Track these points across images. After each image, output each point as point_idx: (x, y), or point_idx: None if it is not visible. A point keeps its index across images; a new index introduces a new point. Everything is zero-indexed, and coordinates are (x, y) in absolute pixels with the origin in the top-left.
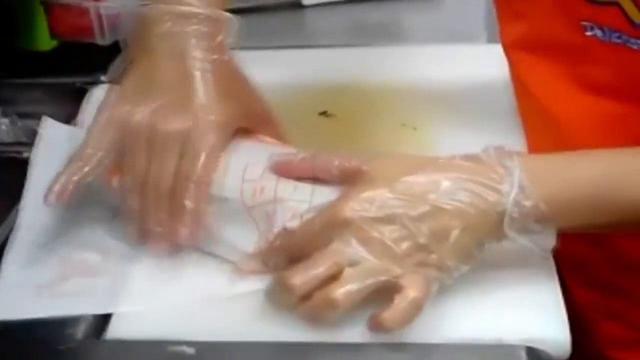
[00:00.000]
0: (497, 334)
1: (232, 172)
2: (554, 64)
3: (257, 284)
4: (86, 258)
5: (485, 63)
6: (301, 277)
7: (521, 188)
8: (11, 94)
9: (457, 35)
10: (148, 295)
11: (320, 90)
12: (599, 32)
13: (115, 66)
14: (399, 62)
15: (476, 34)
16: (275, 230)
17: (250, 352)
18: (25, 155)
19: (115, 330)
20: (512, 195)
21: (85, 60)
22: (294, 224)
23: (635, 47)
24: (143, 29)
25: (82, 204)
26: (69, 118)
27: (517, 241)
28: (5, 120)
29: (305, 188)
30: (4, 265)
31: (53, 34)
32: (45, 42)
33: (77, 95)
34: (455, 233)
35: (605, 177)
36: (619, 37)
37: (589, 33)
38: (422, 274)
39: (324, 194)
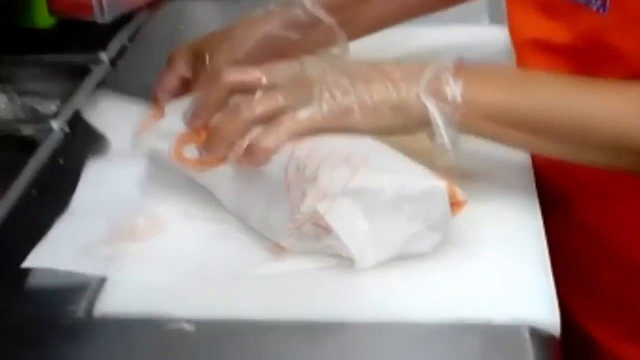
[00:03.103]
0: (486, 314)
1: (283, 148)
2: (531, 18)
3: (290, 265)
4: (136, 223)
5: (489, 44)
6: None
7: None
8: (9, 71)
9: (459, 16)
10: (177, 267)
11: None
12: None
13: (115, 44)
14: (400, 42)
15: (478, 14)
16: (303, 208)
17: (250, 330)
18: (24, 133)
19: (112, 305)
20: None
21: (84, 38)
22: (323, 205)
23: (594, 8)
24: None
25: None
26: (66, 96)
27: (428, 106)
28: (4, 98)
29: (344, 173)
30: (58, 221)
31: (52, 11)
32: (43, 19)
33: (76, 73)
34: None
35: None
36: None
37: None
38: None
39: (362, 181)
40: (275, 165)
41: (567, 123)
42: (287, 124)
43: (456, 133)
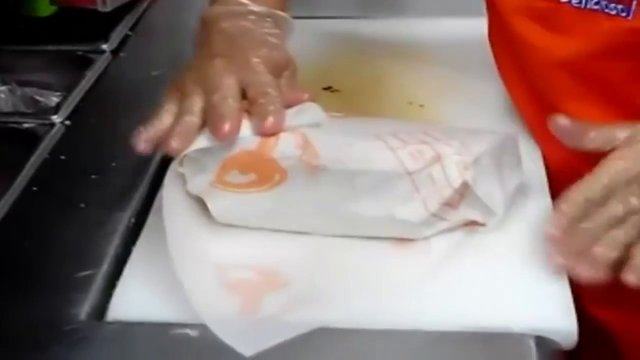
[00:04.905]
0: (505, 323)
1: (371, 146)
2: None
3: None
4: None
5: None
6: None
7: None
8: (10, 61)
9: (467, 9)
10: None
11: (325, 64)
12: None
13: (117, 34)
14: (406, 35)
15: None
16: (454, 184)
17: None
18: (25, 126)
19: (116, 312)
20: None
21: (86, 28)
22: (468, 175)
23: (613, 12)
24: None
25: None
26: (69, 87)
27: None
28: (4, 89)
29: (455, 145)
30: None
31: (53, 0)
32: (44, 8)
33: (78, 64)
34: None
35: None
36: (596, 3)
37: None
38: None
39: (475, 145)
40: (387, 162)
41: None
42: None
43: None
